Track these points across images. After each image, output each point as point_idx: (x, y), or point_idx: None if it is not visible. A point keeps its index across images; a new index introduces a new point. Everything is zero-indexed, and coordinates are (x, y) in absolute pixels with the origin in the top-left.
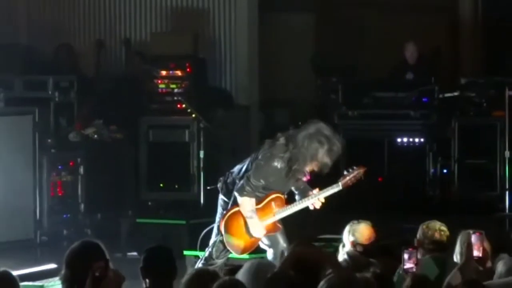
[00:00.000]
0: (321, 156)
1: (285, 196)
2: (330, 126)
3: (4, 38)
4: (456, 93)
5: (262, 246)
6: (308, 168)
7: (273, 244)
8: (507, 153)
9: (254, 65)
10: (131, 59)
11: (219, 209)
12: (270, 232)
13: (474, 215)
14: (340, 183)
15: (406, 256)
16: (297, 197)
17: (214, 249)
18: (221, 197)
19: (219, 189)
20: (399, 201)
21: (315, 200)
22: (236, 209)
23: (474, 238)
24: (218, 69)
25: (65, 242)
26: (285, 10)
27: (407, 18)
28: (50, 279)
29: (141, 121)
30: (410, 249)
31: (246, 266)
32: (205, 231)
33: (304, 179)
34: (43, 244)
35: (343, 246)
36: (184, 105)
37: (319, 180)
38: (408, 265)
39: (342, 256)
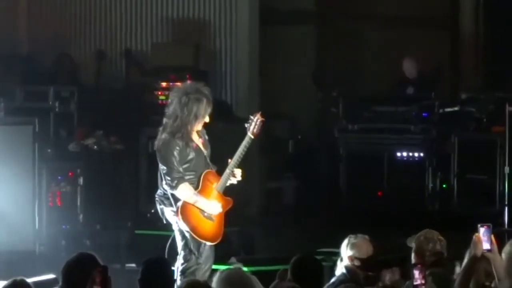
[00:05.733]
0: (205, 109)
1: (214, 169)
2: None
3: (5, 48)
4: (456, 108)
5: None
6: (198, 126)
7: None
8: (506, 169)
9: (255, 78)
10: (131, 70)
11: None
12: (226, 206)
13: (473, 230)
14: (249, 134)
15: (416, 272)
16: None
17: (191, 246)
18: (167, 212)
19: (159, 209)
20: (398, 215)
21: (235, 163)
22: (181, 203)
23: (482, 231)
24: (219, 81)
25: (63, 253)
26: (286, 23)
27: (408, 32)
28: None
29: (141, 133)
30: (419, 265)
31: (217, 276)
32: (169, 241)
33: (201, 141)
34: (41, 254)
35: (341, 260)
36: None
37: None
38: (418, 281)
39: (340, 270)
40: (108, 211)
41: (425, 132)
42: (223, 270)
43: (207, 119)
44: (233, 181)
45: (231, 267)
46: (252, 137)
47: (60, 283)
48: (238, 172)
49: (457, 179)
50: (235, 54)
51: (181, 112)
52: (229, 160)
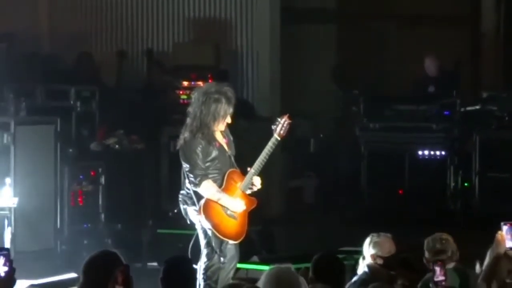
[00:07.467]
0: (225, 110)
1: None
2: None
3: (26, 47)
4: (477, 107)
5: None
6: (220, 127)
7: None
8: None
9: (276, 77)
10: (152, 70)
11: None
12: (250, 206)
13: (495, 229)
14: (276, 135)
15: (437, 269)
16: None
17: (213, 243)
18: (191, 212)
19: (182, 209)
20: (420, 214)
21: (260, 164)
22: (204, 200)
23: (506, 229)
24: (240, 80)
25: (85, 252)
26: (307, 21)
27: (429, 31)
28: None
29: (162, 132)
30: (440, 262)
31: (266, 273)
32: (192, 240)
33: (225, 141)
34: (63, 253)
35: (363, 258)
36: None
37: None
38: (439, 277)
39: (362, 268)
40: (129, 210)
41: (446, 131)
42: (273, 268)
43: (229, 120)
44: (254, 189)
45: (281, 266)
46: (279, 138)
47: (81, 280)
48: (257, 181)
49: (479, 178)
50: (256, 53)
51: (200, 112)
52: (249, 169)
